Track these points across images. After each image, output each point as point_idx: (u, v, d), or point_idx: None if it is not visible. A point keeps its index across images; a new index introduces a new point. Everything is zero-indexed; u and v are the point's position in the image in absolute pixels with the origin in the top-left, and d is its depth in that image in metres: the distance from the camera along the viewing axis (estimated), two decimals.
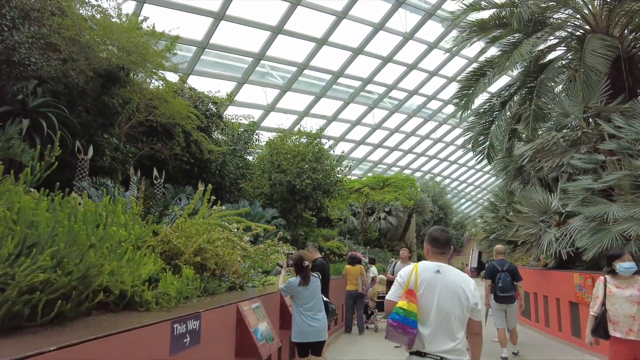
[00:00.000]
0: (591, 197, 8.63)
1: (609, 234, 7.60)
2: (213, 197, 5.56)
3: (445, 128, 28.29)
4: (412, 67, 20.73)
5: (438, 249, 2.97)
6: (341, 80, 20.07)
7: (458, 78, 12.55)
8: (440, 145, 30.20)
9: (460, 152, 31.95)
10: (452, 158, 32.76)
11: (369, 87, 21.65)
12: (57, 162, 3.41)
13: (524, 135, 13.97)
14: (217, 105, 13.02)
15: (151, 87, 10.58)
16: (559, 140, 10.14)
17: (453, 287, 2.78)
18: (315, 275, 5.19)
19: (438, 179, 34.30)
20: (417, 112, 25.25)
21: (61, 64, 7.56)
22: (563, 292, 9.20)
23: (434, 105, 25.40)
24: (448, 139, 29.62)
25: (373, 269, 11.85)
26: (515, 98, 12.39)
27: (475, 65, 12.72)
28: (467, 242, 37.26)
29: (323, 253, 13.72)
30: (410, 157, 30.07)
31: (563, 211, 9.92)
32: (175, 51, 10.59)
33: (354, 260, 10.24)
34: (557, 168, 10.29)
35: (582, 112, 10.02)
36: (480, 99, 13.11)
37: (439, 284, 2.78)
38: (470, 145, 12.72)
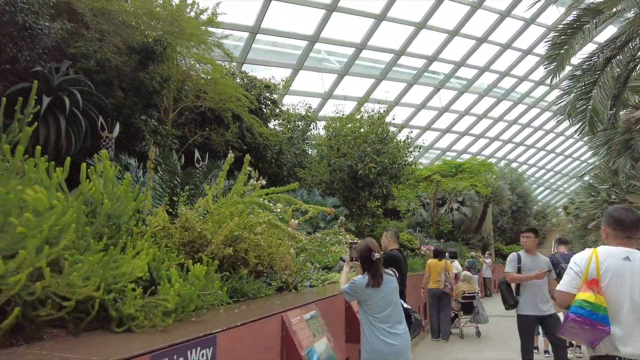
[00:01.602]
0: None
1: None
2: (263, 181, 4.27)
3: (520, 108, 25.25)
4: (482, 40, 18.36)
5: (622, 232, 2.42)
6: (403, 60, 18.21)
7: (549, 36, 10.28)
8: (515, 128, 27.09)
9: (538, 134, 28.58)
10: (528, 142, 29.37)
11: (434, 66, 19.53)
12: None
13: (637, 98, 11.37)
14: (270, 89, 11.86)
15: (198, 69, 9.62)
16: None
17: None
18: (391, 272, 3.66)
19: (514, 165, 30.97)
20: (488, 91, 22.62)
21: (91, 40, 6.69)
22: None
23: (508, 82, 22.61)
24: (524, 120, 26.47)
25: (456, 264, 10.01)
26: (623, 54, 9.91)
27: (570, 18, 10.38)
28: (549, 233, 33.43)
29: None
30: (482, 141, 27.27)
31: None
32: (223, 32, 9.55)
33: (440, 254, 8.55)
34: None
35: None
36: (576, 61, 10.73)
37: (630, 272, 2.30)
38: (565, 114, 10.40)
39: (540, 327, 7.87)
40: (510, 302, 4.93)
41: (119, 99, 6.97)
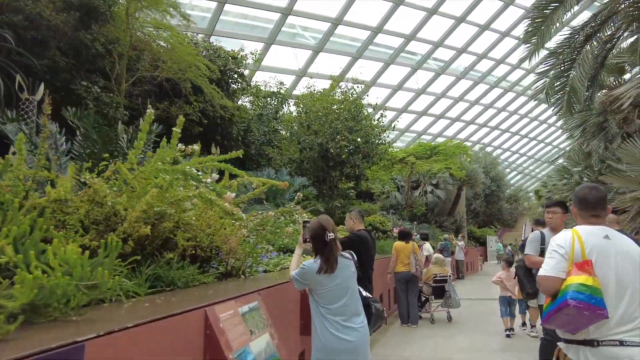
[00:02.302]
0: None
1: None
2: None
3: (496, 92, 25.02)
4: (460, 20, 17.82)
5: (587, 210, 2.32)
6: (380, 38, 17.53)
7: (530, 9, 9.76)
8: (491, 112, 26.92)
9: (513, 118, 28.52)
10: (503, 126, 29.32)
11: (412, 46, 18.94)
12: None
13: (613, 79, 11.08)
14: (237, 61, 11.02)
15: (157, 36, 8.72)
16: None
17: (630, 255, 2.19)
18: (348, 256, 3.08)
19: (488, 149, 30.97)
20: (465, 74, 22.24)
21: None
22: None
23: (485, 65, 22.26)
24: (499, 104, 26.30)
25: (427, 247, 9.61)
26: (603, 32, 9.51)
27: None
28: (520, 217, 33.83)
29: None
30: (458, 125, 27.04)
31: None
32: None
33: (406, 236, 8.05)
34: None
35: None
36: (555, 42, 10.27)
37: (613, 251, 2.17)
38: (543, 93, 9.99)
39: (510, 308, 7.57)
40: (528, 289, 4.17)
41: (56, 61, 6.10)
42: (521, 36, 15.46)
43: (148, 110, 2.85)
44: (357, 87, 11.48)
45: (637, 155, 7.69)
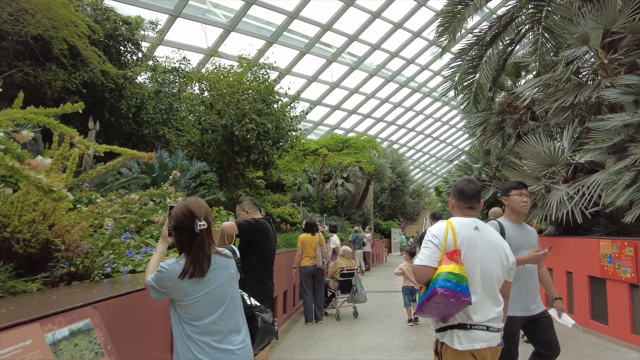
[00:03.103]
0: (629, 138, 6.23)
1: None
2: None
3: (405, 91, 25.76)
4: (375, 15, 17.77)
5: (464, 202, 2.44)
6: (296, 25, 16.78)
7: (442, 8, 9.69)
8: (399, 110, 27.73)
9: (419, 118, 29.76)
10: (409, 125, 30.49)
11: (328, 37, 18.50)
12: None
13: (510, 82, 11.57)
14: (131, 28, 9.47)
15: None
16: (570, 75, 7.65)
17: (494, 245, 2.32)
18: (228, 253, 2.23)
19: (395, 146, 32.04)
20: (377, 71, 22.44)
21: None
22: (580, 264, 6.87)
23: (395, 64, 22.69)
24: (407, 103, 27.19)
25: (334, 239, 9.11)
26: (507, 33, 9.80)
27: None
28: (422, 211, 35.72)
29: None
30: (369, 121, 27.41)
31: (573, 162, 7.56)
32: None
33: (312, 228, 7.41)
34: (569, 109, 7.86)
35: (599, 40, 7.56)
36: (462, 44, 10.39)
37: (480, 242, 2.29)
38: (452, 88, 10.04)
39: (412, 297, 7.38)
40: None
41: None
42: (432, 37, 15.78)
43: None
44: (270, 72, 10.60)
45: (532, 152, 7.92)
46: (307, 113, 10.21)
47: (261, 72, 9.16)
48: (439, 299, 2.10)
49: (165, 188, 3.00)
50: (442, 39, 9.69)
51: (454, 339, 2.19)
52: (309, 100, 22.35)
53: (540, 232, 8.73)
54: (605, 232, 7.11)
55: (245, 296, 2.39)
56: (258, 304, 2.41)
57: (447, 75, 10.68)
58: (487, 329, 2.19)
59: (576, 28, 7.32)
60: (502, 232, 3.06)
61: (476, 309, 2.18)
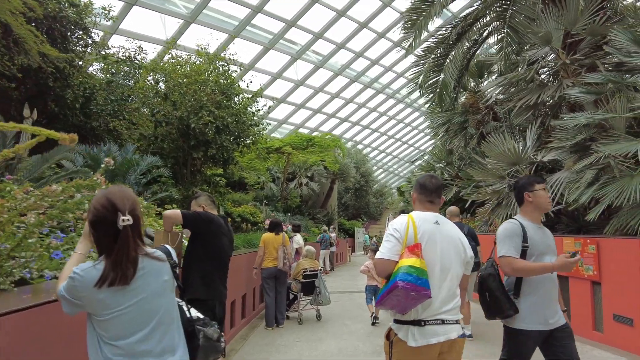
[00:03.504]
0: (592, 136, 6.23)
1: (633, 181, 5.18)
2: None
3: (369, 92, 25.75)
4: (341, 13, 17.54)
5: (426, 196, 2.44)
6: (260, 19, 16.26)
7: (408, 6, 9.50)
8: (363, 111, 27.71)
9: (382, 119, 29.90)
10: (373, 126, 30.57)
11: (293, 34, 18.08)
12: None
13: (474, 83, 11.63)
14: (79, 10, 8.68)
15: None
16: (533, 74, 7.65)
17: (453, 240, 2.34)
18: (160, 255, 1.78)
19: (360, 146, 32.05)
20: (342, 70, 22.25)
21: None
22: None
23: (360, 64, 22.59)
24: (371, 104, 27.21)
25: (298, 239, 8.70)
26: (471, 33, 9.78)
27: None
28: (385, 210, 35.96)
29: (230, 220, 10.28)
30: (333, 121, 27.19)
31: (536, 161, 7.56)
32: None
33: (276, 227, 6.99)
34: (532, 108, 7.87)
35: (560, 41, 7.61)
36: (427, 43, 10.29)
37: (439, 236, 2.30)
38: (417, 86, 9.91)
39: (375, 296, 7.15)
40: (510, 310, 2.62)
41: None
42: (397, 38, 15.66)
43: None
44: (232, 66, 10.04)
45: (497, 151, 7.87)
46: (270, 109, 9.73)
47: (221, 64, 8.62)
48: (399, 292, 2.09)
49: (95, 179, 2.51)
50: (407, 37, 9.52)
51: (408, 336, 2.18)
52: (273, 98, 21.76)
53: None
54: (567, 230, 7.13)
55: (185, 307, 1.95)
56: (201, 316, 1.99)
57: (412, 76, 10.56)
58: (443, 322, 2.18)
59: (539, 28, 7.32)
60: (525, 235, 2.66)
61: (433, 303, 2.18)
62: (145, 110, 9.07)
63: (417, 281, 2.07)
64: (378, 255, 2.29)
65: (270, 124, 24.39)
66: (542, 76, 8.38)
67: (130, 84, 10.34)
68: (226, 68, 8.55)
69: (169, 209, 5.93)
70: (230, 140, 8.52)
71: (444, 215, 2.77)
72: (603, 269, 5.55)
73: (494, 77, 11.66)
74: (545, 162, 7.65)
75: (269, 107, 9.40)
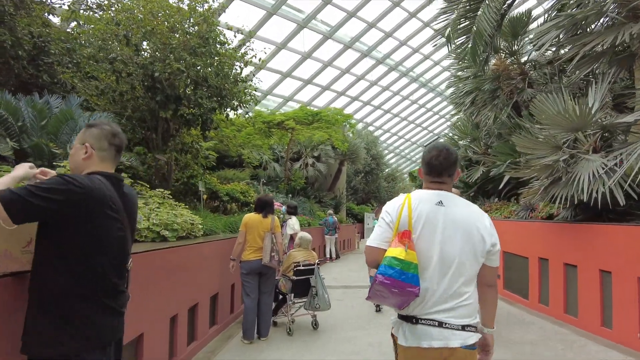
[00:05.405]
0: None
1: None
2: None
3: (381, 69, 23.53)
4: None
5: (431, 176, 1.90)
6: None
7: None
8: (375, 89, 25.53)
9: (395, 99, 27.67)
10: (385, 106, 28.38)
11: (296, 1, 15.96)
12: None
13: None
14: None
15: None
16: (610, 4, 5.54)
17: (463, 225, 1.79)
18: None
19: (370, 128, 29.89)
20: (352, 43, 20.07)
21: None
22: (625, 261, 4.85)
23: (372, 37, 20.36)
24: (383, 82, 25.00)
25: (292, 223, 6.82)
26: None
27: None
28: (396, 195, 33.93)
29: (218, 202, 8.43)
30: (343, 99, 25.08)
31: (609, 124, 5.51)
32: None
33: (265, 207, 5.12)
34: (601, 56, 5.79)
35: None
36: None
37: (442, 220, 1.79)
38: (445, 37, 7.84)
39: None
40: None
41: None
42: (413, 7, 13.43)
43: None
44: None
45: (552, 112, 5.82)
46: (264, 62, 7.65)
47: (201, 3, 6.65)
48: (379, 288, 1.73)
49: None
50: None
51: (399, 333, 1.83)
52: (277, 71, 19.82)
53: (550, 217, 6.75)
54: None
55: None
56: None
57: (438, 27, 8.48)
58: (441, 325, 1.73)
59: None
60: None
61: (427, 299, 1.75)
62: (94, 49, 7.03)
63: (401, 276, 1.67)
64: (367, 242, 1.88)
65: (276, 104, 22.43)
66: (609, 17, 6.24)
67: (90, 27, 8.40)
68: (207, 7, 6.57)
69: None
70: (208, 97, 6.61)
71: None
72: None
73: (531, 36, 9.53)
74: (617, 129, 5.62)
75: (262, 60, 7.32)
